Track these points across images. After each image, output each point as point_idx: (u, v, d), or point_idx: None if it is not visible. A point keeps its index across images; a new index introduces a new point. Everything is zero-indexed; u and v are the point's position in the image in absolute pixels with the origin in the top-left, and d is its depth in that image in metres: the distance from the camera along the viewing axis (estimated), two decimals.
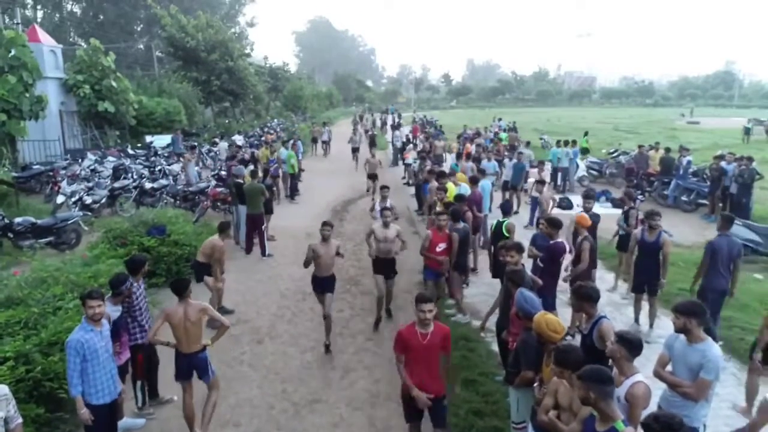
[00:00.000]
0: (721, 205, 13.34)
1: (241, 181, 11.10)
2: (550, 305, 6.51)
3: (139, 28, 48.54)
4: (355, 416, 5.56)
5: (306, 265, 6.78)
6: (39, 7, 43.56)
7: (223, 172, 15.25)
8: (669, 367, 4.02)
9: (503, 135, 24.26)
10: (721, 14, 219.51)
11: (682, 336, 3.87)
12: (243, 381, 6.21)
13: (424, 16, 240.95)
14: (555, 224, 6.65)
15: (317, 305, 8.47)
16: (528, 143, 18.70)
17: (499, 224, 8.20)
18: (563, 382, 3.58)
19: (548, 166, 17.18)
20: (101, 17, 44.45)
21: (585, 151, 18.78)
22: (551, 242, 6.56)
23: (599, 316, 4.36)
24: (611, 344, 3.70)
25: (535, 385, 4.15)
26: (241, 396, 5.90)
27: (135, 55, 44.21)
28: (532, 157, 17.37)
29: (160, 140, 22.07)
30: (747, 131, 29.63)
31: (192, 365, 5.11)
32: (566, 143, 16.89)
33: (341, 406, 5.75)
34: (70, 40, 40.42)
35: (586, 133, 23.85)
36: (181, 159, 18.25)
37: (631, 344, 3.59)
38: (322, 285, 6.92)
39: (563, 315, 6.49)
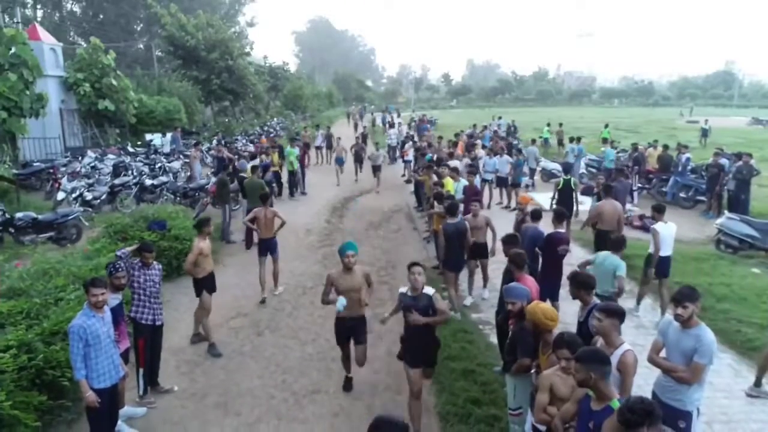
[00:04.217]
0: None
1: (245, 176, 11.18)
2: (552, 295, 6.59)
3: (138, 28, 48.51)
4: (355, 406, 5.61)
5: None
6: (39, 6, 43.57)
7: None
8: (662, 353, 4.07)
9: (545, 130, 24.36)
10: (721, 14, 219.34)
11: (675, 322, 3.91)
12: (244, 372, 6.26)
13: (424, 16, 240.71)
14: (559, 216, 6.97)
15: (317, 299, 8.47)
16: (533, 141, 18.80)
17: (567, 181, 10.08)
18: (557, 374, 3.57)
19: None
20: (101, 16, 44.42)
21: (605, 141, 18.96)
22: (552, 231, 6.69)
23: (594, 303, 4.42)
24: (599, 321, 3.73)
25: (533, 371, 4.20)
26: (242, 386, 5.95)
27: (135, 54, 44.22)
28: (537, 154, 17.49)
29: (159, 139, 22.11)
30: (704, 132, 28.45)
31: (268, 246, 8.37)
32: (571, 140, 17.26)
33: (341, 396, 5.80)
34: (70, 39, 40.41)
35: (606, 126, 24.44)
36: (182, 156, 18.35)
37: (617, 313, 3.74)
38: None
39: (564, 307, 6.54)
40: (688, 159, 14.97)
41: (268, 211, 8.38)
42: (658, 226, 7.21)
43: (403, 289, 4.97)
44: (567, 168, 11.80)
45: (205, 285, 6.67)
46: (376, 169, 17.19)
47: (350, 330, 5.55)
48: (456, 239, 7.31)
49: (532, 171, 17.10)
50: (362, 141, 20.55)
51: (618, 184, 10.39)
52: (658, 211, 7.35)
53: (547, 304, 4.49)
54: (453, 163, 12.36)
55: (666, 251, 7.24)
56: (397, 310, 5.09)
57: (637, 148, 16.92)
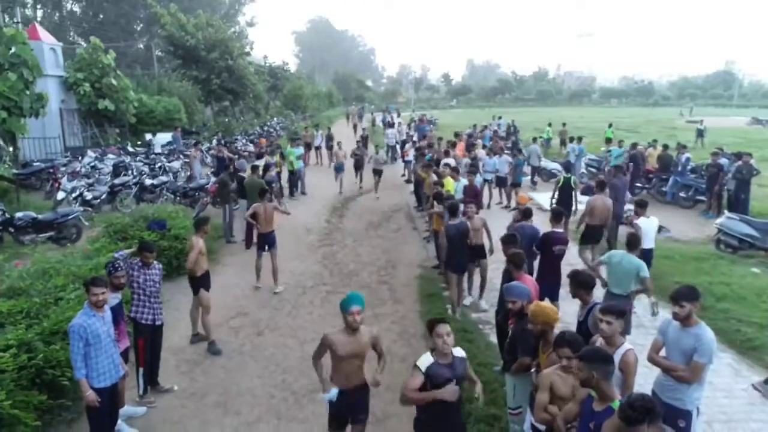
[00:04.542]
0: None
1: (244, 175, 11.19)
2: (551, 295, 6.59)
3: (138, 28, 48.48)
4: None
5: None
6: (39, 6, 43.56)
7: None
8: (662, 352, 4.07)
9: (547, 130, 24.25)
10: (721, 14, 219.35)
11: (674, 321, 3.91)
12: (243, 371, 6.26)
13: (424, 16, 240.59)
14: (557, 215, 7.02)
15: (316, 299, 8.56)
16: (534, 139, 18.83)
17: (567, 179, 10.50)
18: (557, 373, 3.55)
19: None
20: (101, 16, 44.39)
21: (608, 141, 19.01)
22: (549, 231, 6.71)
23: (593, 303, 4.42)
24: (609, 324, 3.70)
25: (533, 371, 4.20)
26: (242, 386, 5.95)
27: (135, 54, 44.20)
28: (538, 152, 17.51)
29: (162, 138, 22.09)
30: (700, 133, 27.88)
31: (266, 240, 8.65)
32: (572, 139, 17.36)
33: None
34: (70, 39, 40.40)
35: (610, 125, 24.61)
36: (182, 156, 18.34)
37: (623, 313, 3.76)
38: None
39: (564, 307, 6.53)
40: (687, 159, 14.98)
41: (268, 206, 8.70)
42: (641, 221, 7.65)
43: (427, 360, 3.63)
44: (567, 166, 12.12)
45: (203, 283, 6.67)
46: (376, 173, 16.01)
47: (349, 408, 4.21)
48: (458, 240, 7.26)
49: (536, 169, 17.15)
50: (363, 145, 19.10)
51: (617, 181, 10.64)
52: (641, 206, 7.92)
53: (546, 303, 4.50)
54: (446, 161, 12.55)
55: (648, 244, 7.59)
56: (420, 386, 3.61)
57: (636, 147, 16.97)
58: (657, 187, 15.37)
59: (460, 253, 7.38)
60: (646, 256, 7.49)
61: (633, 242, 6.07)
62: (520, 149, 17.43)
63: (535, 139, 18.71)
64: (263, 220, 8.58)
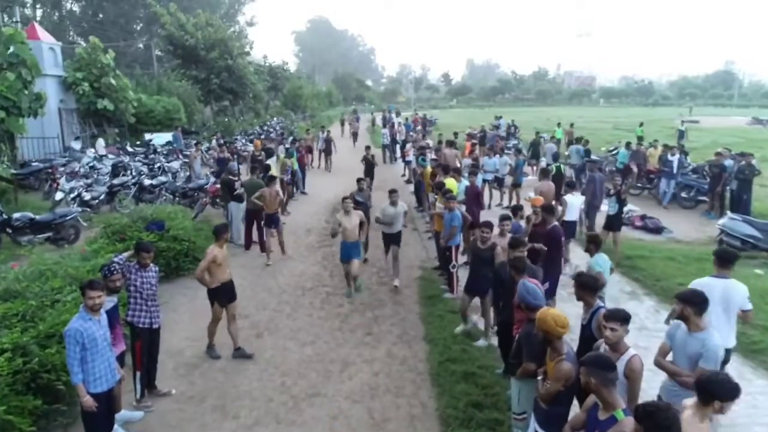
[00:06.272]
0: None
1: (234, 178, 11.12)
2: (549, 291, 6.55)
3: (138, 27, 48.37)
4: (354, 409, 5.54)
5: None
6: (38, 5, 43.43)
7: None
8: (669, 357, 4.01)
9: (559, 131, 24.35)
10: (721, 14, 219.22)
11: (683, 326, 3.86)
12: (242, 374, 6.19)
13: (424, 16, 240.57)
14: (550, 211, 7.09)
15: (316, 300, 8.48)
16: (552, 137, 18.81)
17: (558, 168, 12.02)
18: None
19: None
20: (100, 16, 44.28)
21: (640, 139, 19.00)
22: (548, 227, 6.69)
23: (597, 306, 4.35)
24: (614, 330, 3.63)
25: (539, 378, 4.11)
26: (241, 389, 5.88)
27: (134, 54, 44.08)
28: (554, 150, 17.48)
29: (160, 138, 22.02)
30: (681, 135, 26.64)
31: (271, 219, 10.00)
32: (578, 140, 17.50)
33: (340, 399, 5.73)
34: (69, 38, 40.31)
35: (641, 124, 25.12)
36: (180, 156, 18.27)
37: (626, 319, 3.71)
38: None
39: (567, 309, 6.44)
40: (678, 159, 15.01)
41: (273, 190, 10.04)
42: (568, 198, 9.14)
43: None
44: (556, 156, 13.60)
45: (217, 296, 6.32)
46: (390, 240, 9.19)
47: None
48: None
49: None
50: (369, 176, 14.00)
51: (596, 175, 11.55)
52: (570, 186, 9.66)
53: (556, 310, 4.41)
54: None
55: (572, 217, 9.15)
56: None
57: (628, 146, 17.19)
58: (658, 187, 15.30)
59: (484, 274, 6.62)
60: (570, 227, 8.97)
61: (597, 242, 6.19)
62: (519, 149, 17.36)
63: (552, 138, 18.72)
64: (269, 202, 9.84)
